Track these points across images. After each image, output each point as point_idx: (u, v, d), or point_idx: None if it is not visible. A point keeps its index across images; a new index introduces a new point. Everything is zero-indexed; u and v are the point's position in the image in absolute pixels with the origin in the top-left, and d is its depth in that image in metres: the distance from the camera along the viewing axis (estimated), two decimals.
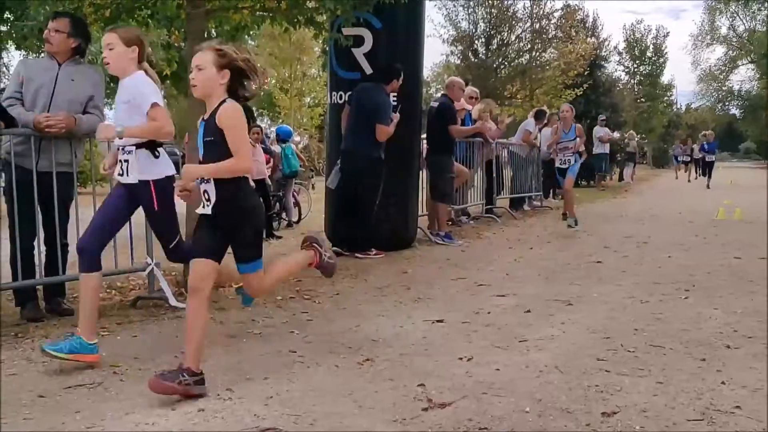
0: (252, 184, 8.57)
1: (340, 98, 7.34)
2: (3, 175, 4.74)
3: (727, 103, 54.38)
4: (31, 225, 4.41)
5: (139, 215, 4.94)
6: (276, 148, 9.98)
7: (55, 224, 4.51)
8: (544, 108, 14.53)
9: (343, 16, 6.35)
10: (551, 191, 14.88)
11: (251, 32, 8.64)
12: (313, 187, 13.83)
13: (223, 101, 3.19)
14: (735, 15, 48.12)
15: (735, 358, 3.65)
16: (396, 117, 6.98)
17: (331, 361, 3.61)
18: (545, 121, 13.18)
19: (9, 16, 12.96)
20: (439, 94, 9.36)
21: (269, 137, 10.53)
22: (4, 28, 13.62)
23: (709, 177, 20.69)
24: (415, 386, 3.22)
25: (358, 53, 7.14)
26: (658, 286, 5.57)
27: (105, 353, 3.72)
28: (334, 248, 7.14)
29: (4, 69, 17.02)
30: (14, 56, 19.14)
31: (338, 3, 5.87)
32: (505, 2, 20.66)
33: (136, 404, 2.99)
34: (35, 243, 4.49)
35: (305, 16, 5.98)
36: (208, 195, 3.22)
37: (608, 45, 26.29)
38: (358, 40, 7.04)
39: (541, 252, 7.56)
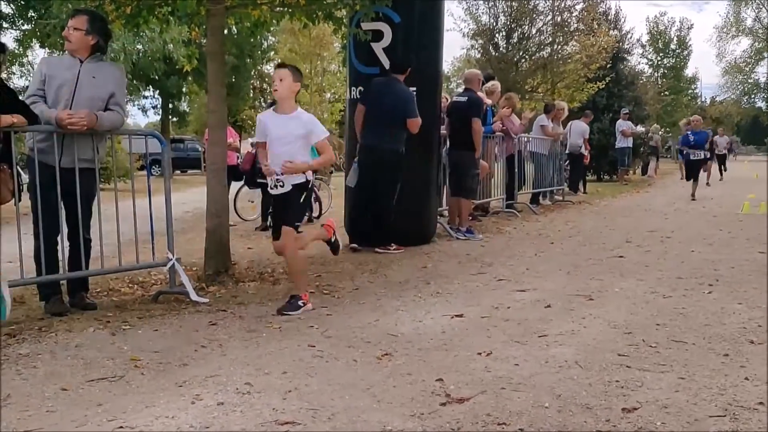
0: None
1: (359, 93, 7.33)
2: (27, 171, 4.81)
3: (752, 96, 53.51)
4: (55, 221, 4.47)
5: (159, 211, 5.02)
6: None
7: (78, 220, 4.56)
8: (559, 102, 14.52)
9: (362, 10, 6.34)
10: (577, 184, 14.94)
11: (271, 28, 8.66)
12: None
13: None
14: (761, 6, 47.33)
15: (759, 354, 3.59)
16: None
17: (349, 356, 3.61)
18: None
19: (33, 14, 13.20)
20: (460, 89, 9.24)
21: None
22: (28, 27, 13.86)
23: (695, 182, 13.87)
24: (433, 381, 3.21)
25: (378, 48, 7.13)
26: (682, 281, 5.50)
27: (126, 347, 3.78)
28: (352, 245, 7.17)
29: (29, 67, 17.27)
30: (38, 54, 19.40)
31: None
32: None
33: (156, 397, 3.02)
34: (59, 238, 4.54)
35: (324, 11, 5.98)
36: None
37: (631, 37, 26.01)
38: (378, 35, 7.03)
39: (563, 247, 7.50)
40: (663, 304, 4.76)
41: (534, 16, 20.62)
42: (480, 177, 9.39)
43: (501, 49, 20.87)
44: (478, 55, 22.05)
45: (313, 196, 10.49)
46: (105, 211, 4.88)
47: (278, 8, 6.01)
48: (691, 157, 13.91)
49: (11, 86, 4.82)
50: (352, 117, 7.57)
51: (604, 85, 20.25)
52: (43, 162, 4.43)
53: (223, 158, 5.74)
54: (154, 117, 37.83)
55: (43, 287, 4.58)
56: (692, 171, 14.13)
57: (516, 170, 11.12)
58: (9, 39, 15.77)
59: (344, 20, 6.60)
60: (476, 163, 8.37)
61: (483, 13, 20.90)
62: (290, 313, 4.46)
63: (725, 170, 21.71)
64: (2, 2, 13.30)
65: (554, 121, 13.03)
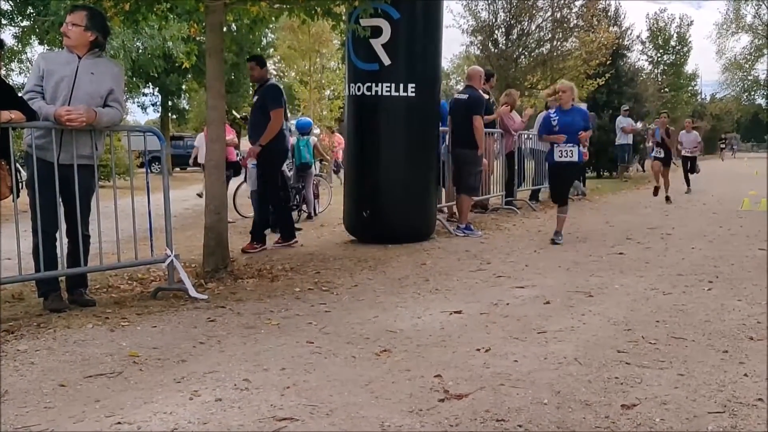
0: None
1: (358, 90, 7.32)
2: (25, 167, 4.80)
3: (752, 93, 53.44)
4: (53, 217, 4.46)
5: (158, 208, 5.01)
6: (292, 140, 9.99)
7: (77, 216, 4.55)
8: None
9: (360, 6, 6.33)
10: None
11: (270, 25, 8.65)
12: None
13: None
14: (761, 2, 47.21)
15: (758, 350, 3.58)
16: None
17: (348, 352, 3.61)
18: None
19: (31, 11, 13.18)
20: (460, 87, 9.18)
21: (291, 130, 10.53)
22: (27, 23, 13.85)
23: (563, 206, 7.70)
24: (432, 377, 3.20)
25: (377, 44, 7.12)
26: (682, 278, 5.49)
27: (125, 343, 3.77)
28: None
29: (28, 63, 17.25)
30: (37, 50, 19.39)
31: None
32: None
33: (154, 393, 3.02)
34: (57, 235, 4.53)
35: (323, 7, 5.97)
36: None
37: (631, 34, 25.91)
38: (376, 31, 7.01)
39: (562, 243, 7.49)
40: (663, 300, 4.75)
41: (533, 12, 20.55)
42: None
43: (500, 45, 20.82)
44: (478, 52, 21.99)
45: (313, 193, 10.49)
46: (104, 207, 4.87)
47: (277, 5, 6.00)
48: (556, 157, 7.58)
49: (10, 83, 4.81)
50: (352, 114, 7.56)
51: (603, 82, 20.22)
52: (41, 158, 4.42)
53: (222, 155, 5.73)
54: (154, 114, 37.75)
55: (41, 284, 4.57)
56: (558, 186, 7.81)
57: (516, 167, 11.11)
58: (8, 35, 15.76)
59: (343, 16, 6.59)
60: (479, 161, 8.36)
61: (482, 9, 20.85)
62: None
63: (695, 172, 14.84)
64: None
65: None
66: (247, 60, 7.28)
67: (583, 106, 13.49)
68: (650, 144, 14.08)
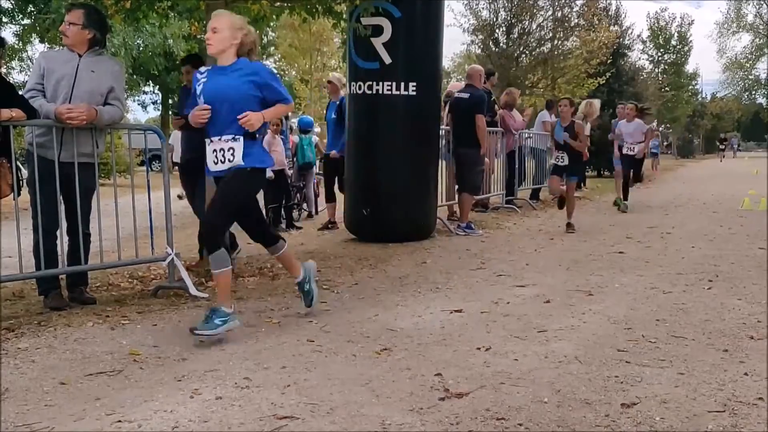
0: (271, 174, 8.67)
1: (359, 88, 7.32)
2: (26, 166, 4.81)
3: (753, 92, 53.50)
4: (54, 215, 4.46)
5: (159, 207, 5.01)
6: (294, 138, 9.99)
7: (77, 214, 4.55)
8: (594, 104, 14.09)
9: (362, 5, 6.33)
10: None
11: (270, 23, 8.65)
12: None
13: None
14: (762, 2, 47.20)
15: (758, 349, 3.58)
16: None
17: (348, 351, 3.61)
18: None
19: (32, 9, 13.19)
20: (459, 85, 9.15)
21: (292, 128, 10.54)
22: (27, 21, 13.86)
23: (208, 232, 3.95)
24: (432, 376, 3.20)
25: (377, 43, 7.11)
26: (682, 277, 5.50)
27: (125, 341, 3.78)
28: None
29: (29, 62, 17.27)
30: (38, 49, 19.41)
31: None
32: None
33: (155, 392, 3.02)
34: (58, 233, 4.54)
35: (324, 6, 5.97)
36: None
37: (631, 33, 25.97)
38: (377, 30, 7.01)
39: (563, 242, 7.50)
40: (663, 299, 4.75)
41: (534, 11, 20.59)
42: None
43: (501, 44, 20.85)
44: (479, 51, 22.02)
45: (314, 191, 10.49)
46: (104, 206, 4.87)
47: (278, 3, 6.00)
48: (207, 161, 3.94)
49: (10, 81, 4.81)
50: (353, 113, 7.55)
51: (604, 81, 20.25)
52: (42, 156, 4.42)
53: None
54: (154, 112, 37.83)
55: (42, 282, 4.57)
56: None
57: (516, 166, 11.11)
58: (8, 34, 15.80)
59: (344, 15, 6.58)
60: (481, 160, 8.37)
61: (483, 8, 20.90)
62: None
63: (638, 180, 12.06)
64: None
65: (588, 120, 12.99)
66: (186, 62, 5.96)
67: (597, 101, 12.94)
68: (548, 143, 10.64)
